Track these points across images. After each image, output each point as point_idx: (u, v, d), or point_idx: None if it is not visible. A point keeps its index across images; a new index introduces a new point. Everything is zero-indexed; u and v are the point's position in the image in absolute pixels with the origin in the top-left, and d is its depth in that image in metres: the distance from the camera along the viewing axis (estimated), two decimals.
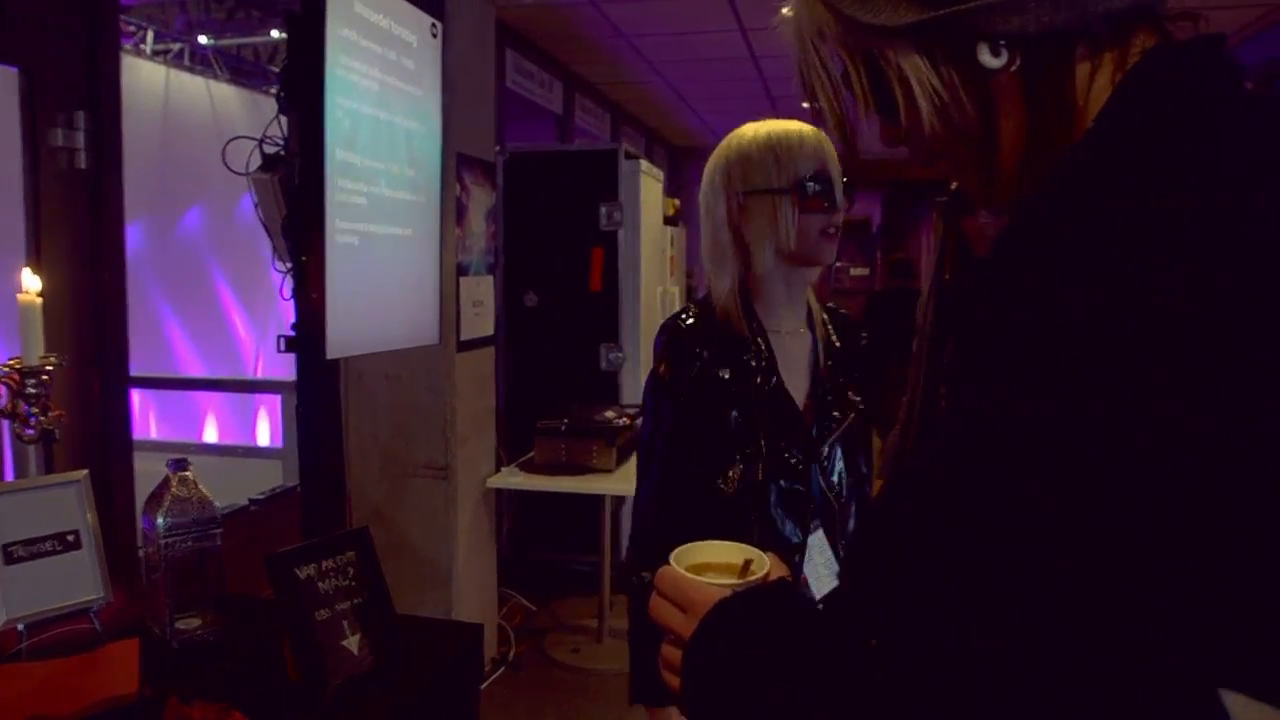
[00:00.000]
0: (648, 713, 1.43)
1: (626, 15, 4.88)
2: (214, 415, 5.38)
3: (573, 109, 6.34)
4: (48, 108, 2.16)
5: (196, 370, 5.34)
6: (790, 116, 1.44)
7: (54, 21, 2.18)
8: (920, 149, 0.67)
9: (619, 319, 4.46)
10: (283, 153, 2.17)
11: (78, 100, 2.21)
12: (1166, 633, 0.44)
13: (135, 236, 4.73)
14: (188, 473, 1.45)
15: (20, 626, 1.37)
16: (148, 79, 4.85)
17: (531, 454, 3.80)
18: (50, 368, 1.48)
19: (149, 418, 5.04)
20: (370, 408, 3.43)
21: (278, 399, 4.28)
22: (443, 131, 2.63)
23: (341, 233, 2.13)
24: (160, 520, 1.40)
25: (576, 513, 4.24)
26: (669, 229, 5.19)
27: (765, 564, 0.77)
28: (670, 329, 1.45)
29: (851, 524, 1.46)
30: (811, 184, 1.36)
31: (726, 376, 1.38)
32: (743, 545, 0.81)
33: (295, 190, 2.12)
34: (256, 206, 2.20)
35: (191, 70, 5.15)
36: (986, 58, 0.58)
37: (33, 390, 1.45)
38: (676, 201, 5.47)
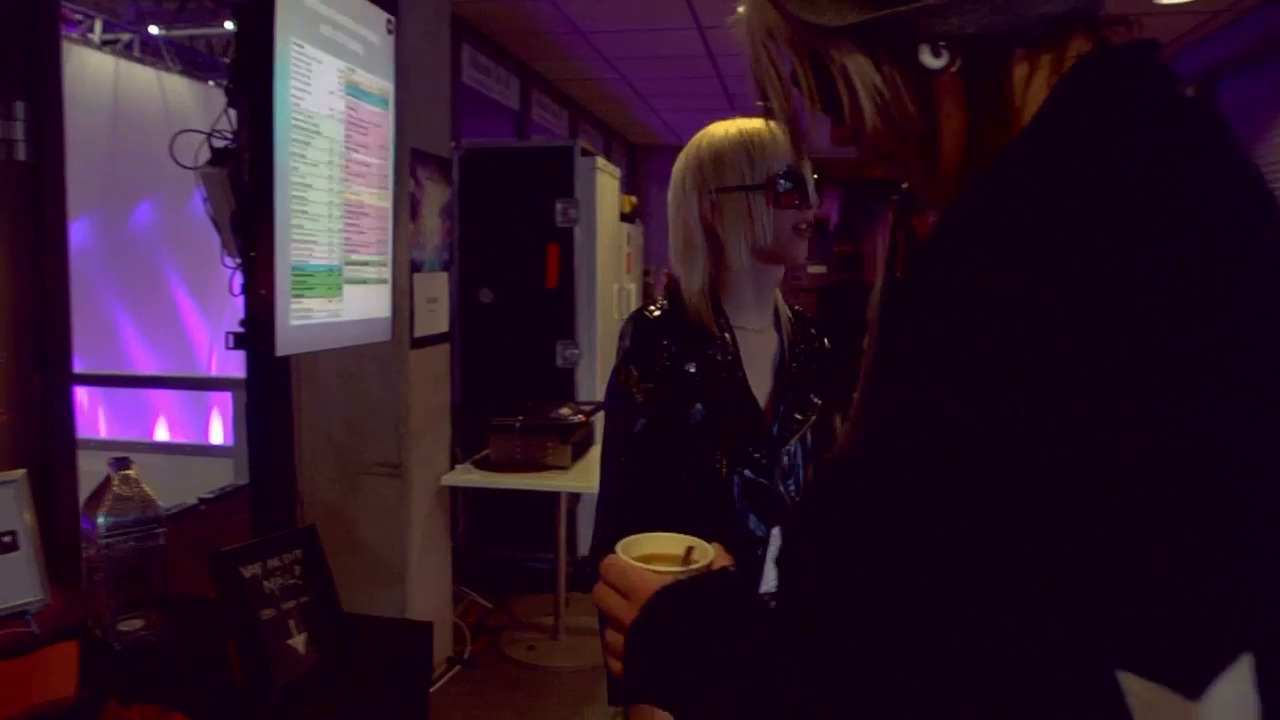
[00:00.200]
0: (628, 712, 1.42)
1: (583, 11, 4.87)
2: (167, 414, 5.28)
3: (530, 105, 6.32)
4: None
5: (150, 368, 5.24)
6: (748, 114, 1.45)
7: None
8: (867, 148, 0.68)
9: (575, 316, 4.46)
10: (232, 146, 2.14)
11: (16, 90, 2.16)
12: (1066, 618, 0.46)
13: (84, 231, 4.63)
14: (130, 471, 1.43)
15: None
16: (96, 69, 4.74)
17: (486, 451, 3.78)
18: None
19: (98, 416, 4.93)
20: (323, 405, 3.40)
21: (231, 396, 4.22)
22: (396, 126, 2.61)
23: (292, 228, 2.10)
24: (101, 520, 1.38)
25: (532, 510, 4.23)
26: (626, 226, 5.19)
27: (709, 553, 0.80)
28: (637, 321, 1.46)
29: None
30: (784, 180, 1.37)
31: (692, 370, 1.39)
32: (686, 536, 0.83)
33: (244, 185, 2.09)
34: (206, 201, 2.17)
35: (142, 61, 5.04)
36: (927, 58, 0.60)
37: None
38: (634, 198, 5.47)
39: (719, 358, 1.41)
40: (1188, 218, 0.50)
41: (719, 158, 1.40)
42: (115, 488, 1.41)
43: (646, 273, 6.99)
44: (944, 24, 0.58)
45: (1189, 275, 0.48)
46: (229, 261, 2.15)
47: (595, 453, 4.04)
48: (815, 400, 1.49)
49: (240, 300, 2.12)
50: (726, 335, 1.42)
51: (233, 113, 2.12)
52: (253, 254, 2.08)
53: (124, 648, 1.40)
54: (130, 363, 5.13)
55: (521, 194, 4.44)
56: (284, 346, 2.11)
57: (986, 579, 0.50)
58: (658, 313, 1.45)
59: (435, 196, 3.56)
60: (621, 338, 1.47)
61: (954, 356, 0.53)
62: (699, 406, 1.39)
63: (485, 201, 4.47)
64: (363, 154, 2.42)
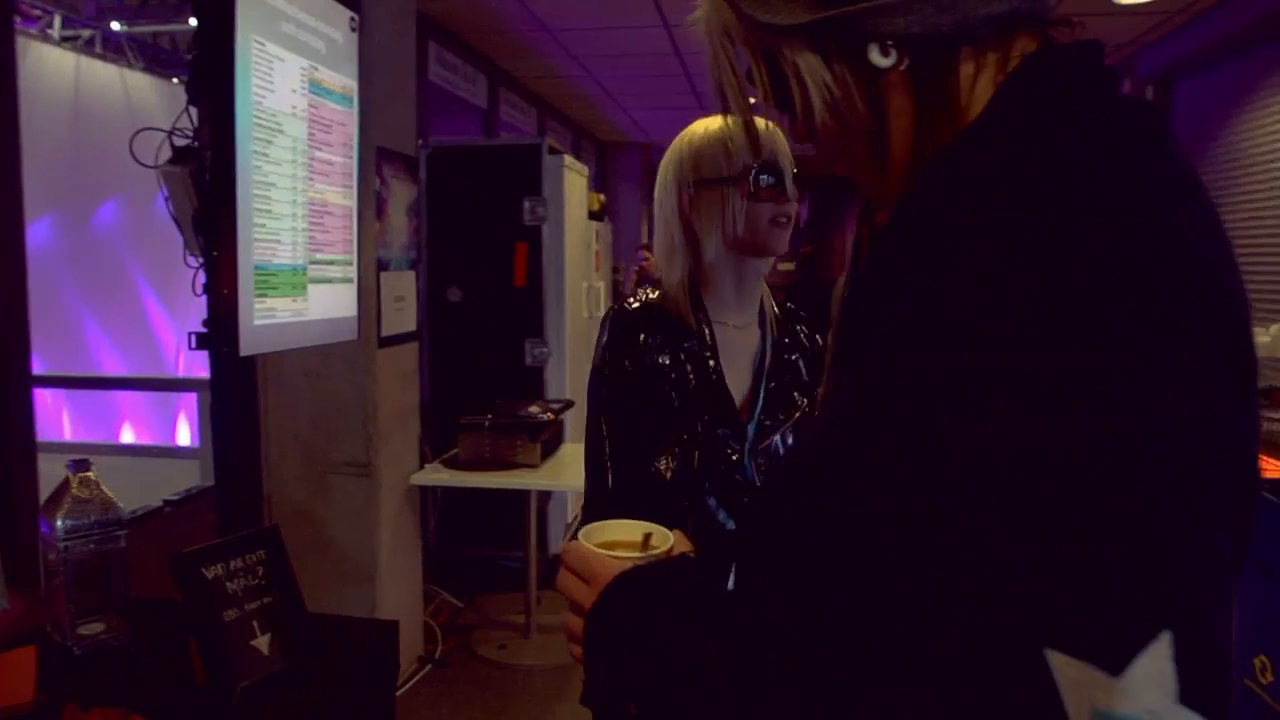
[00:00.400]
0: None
1: (550, 9, 4.86)
2: (133, 415, 5.21)
3: (498, 103, 6.30)
4: None
5: (117, 369, 5.17)
6: (716, 112, 1.46)
7: None
8: (821, 145, 0.70)
9: (543, 314, 4.46)
10: (194, 145, 2.12)
11: None
12: (997, 600, 0.48)
13: (46, 231, 4.56)
14: (89, 473, 1.42)
15: None
16: (55, 66, 4.67)
17: (456, 450, 3.77)
18: None
19: (61, 418, 4.86)
20: (290, 405, 3.37)
21: (196, 398, 4.17)
22: (361, 124, 2.60)
23: (254, 227, 2.09)
24: (59, 523, 1.36)
25: (503, 508, 4.23)
26: (594, 224, 5.19)
27: (668, 539, 0.82)
28: (616, 312, 1.46)
29: None
30: (760, 172, 1.37)
31: (667, 363, 1.40)
32: (646, 523, 0.84)
33: (206, 183, 2.07)
34: (167, 200, 2.15)
35: (103, 58, 4.97)
36: (876, 57, 0.61)
37: None
38: (602, 196, 5.47)
39: (697, 352, 1.41)
40: (1120, 218, 0.52)
41: (697, 152, 1.41)
42: (74, 490, 1.39)
43: (615, 270, 6.99)
44: (891, 24, 0.60)
45: (1115, 275, 0.50)
46: (192, 261, 2.13)
47: (565, 451, 4.04)
48: (799, 398, 1.50)
49: (204, 300, 2.10)
50: (705, 330, 1.43)
51: (194, 110, 2.10)
52: (215, 253, 2.06)
53: (84, 652, 1.39)
54: (96, 364, 5.06)
55: (489, 192, 4.43)
56: (248, 346, 2.10)
57: (926, 565, 0.52)
58: (637, 305, 1.46)
59: (402, 195, 3.54)
60: (602, 327, 1.47)
61: (894, 351, 0.55)
62: (674, 400, 1.39)
63: (453, 200, 4.45)
64: (327, 152, 2.41)
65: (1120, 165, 0.55)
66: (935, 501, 0.51)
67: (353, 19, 2.51)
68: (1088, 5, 4.47)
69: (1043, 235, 0.52)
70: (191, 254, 2.14)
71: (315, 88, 2.33)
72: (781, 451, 1.47)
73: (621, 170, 9.99)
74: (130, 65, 5.08)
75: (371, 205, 3.27)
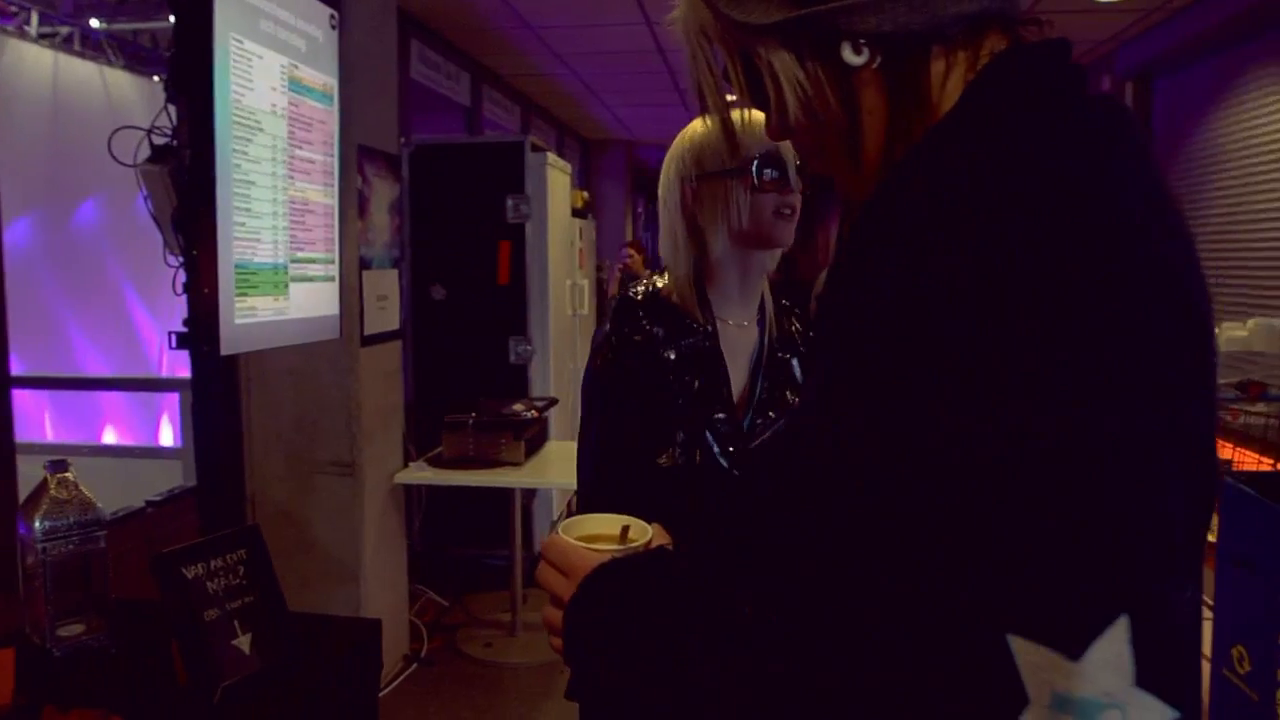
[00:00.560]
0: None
1: (532, 7, 4.86)
2: (116, 416, 5.18)
3: (481, 101, 6.29)
4: None
5: (100, 370, 5.13)
6: (697, 109, 1.45)
7: None
8: (798, 143, 0.71)
9: (527, 312, 4.45)
10: (172, 143, 2.12)
11: None
12: (960, 588, 0.50)
13: (26, 230, 4.52)
14: (67, 474, 1.41)
15: None
16: (33, 63, 4.62)
17: (440, 449, 3.77)
18: None
19: (43, 419, 4.83)
20: (273, 404, 3.36)
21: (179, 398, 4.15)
22: (342, 122, 2.59)
23: (234, 225, 2.08)
24: (37, 524, 1.36)
25: (487, 507, 4.23)
26: (578, 221, 5.19)
27: (647, 532, 0.83)
28: (622, 304, 1.44)
29: None
30: (762, 164, 1.35)
31: (673, 358, 1.39)
32: (625, 517, 0.85)
33: (185, 182, 2.07)
34: (147, 199, 2.14)
35: (82, 55, 4.92)
36: (849, 55, 0.62)
37: None
38: (585, 194, 5.47)
39: (700, 347, 1.40)
40: (1084, 215, 0.53)
41: (699, 146, 1.39)
42: (52, 491, 1.39)
43: (600, 268, 6.99)
44: (863, 22, 0.61)
45: (1077, 271, 0.51)
46: (173, 260, 2.13)
47: (549, 448, 4.04)
48: (790, 397, 1.50)
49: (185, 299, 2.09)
50: (711, 326, 1.42)
51: (173, 109, 2.09)
52: (195, 252, 2.06)
53: (63, 653, 1.38)
54: (79, 364, 5.02)
55: (472, 190, 4.42)
56: (229, 345, 2.09)
57: (892, 553, 0.54)
58: (641, 297, 1.44)
59: (384, 193, 3.54)
60: (606, 318, 1.45)
61: (862, 341, 0.56)
62: (676, 394, 1.38)
63: (436, 198, 4.44)
64: (307, 151, 2.40)
65: (1085, 162, 0.56)
66: (900, 490, 0.53)
67: (332, 16, 2.50)
68: (1068, 2, 4.50)
69: (1007, 231, 0.53)
70: (171, 253, 2.13)
71: (295, 86, 2.32)
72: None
73: (605, 168, 9.99)
74: (110, 63, 5.04)
75: (353, 203, 3.26)
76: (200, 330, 2.06)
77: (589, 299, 5.48)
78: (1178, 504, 0.50)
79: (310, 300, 2.47)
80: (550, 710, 3.34)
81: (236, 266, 2.11)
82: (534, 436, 3.80)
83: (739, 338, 1.47)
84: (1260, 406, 3.53)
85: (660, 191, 1.46)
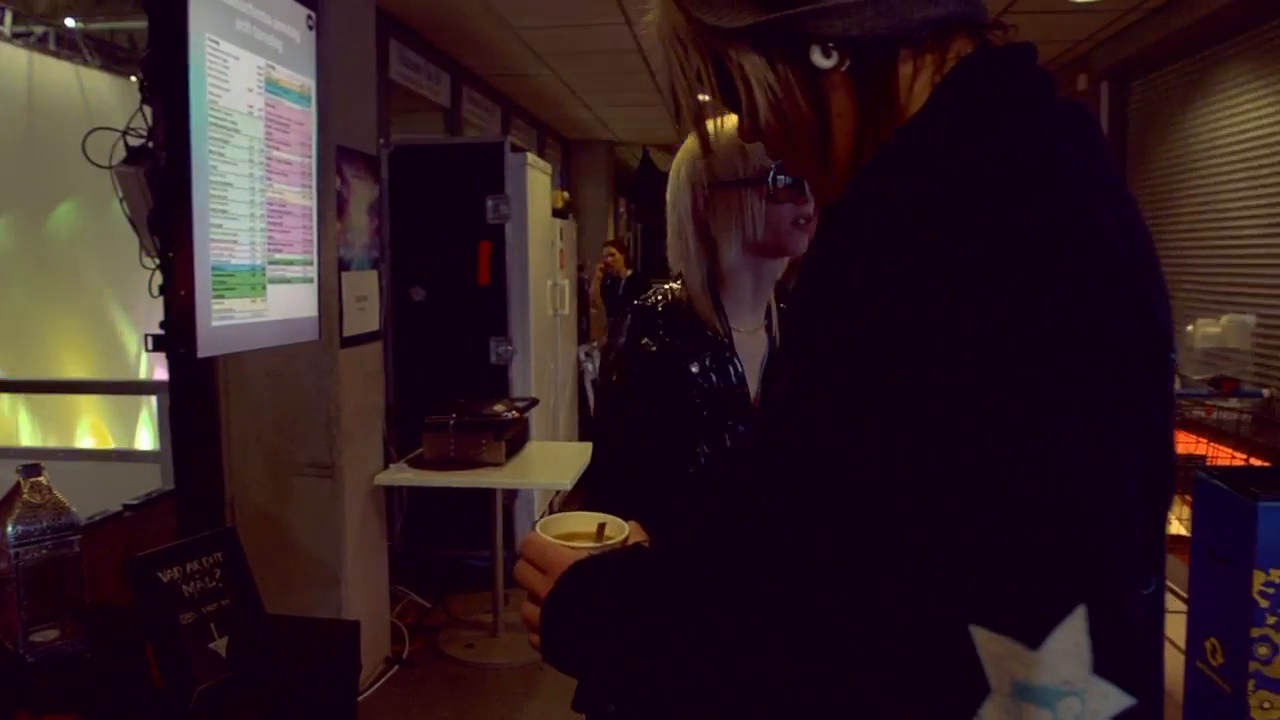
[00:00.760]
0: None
1: (512, 7, 4.85)
2: (94, 419, 5.14)
3: (461, 102, 6.28)
4: None
5: (79, 373, 5.09)
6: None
7: None
8: (770, 145, 0.72)
9: (508, 312, 4.45)
10: (149, 144, 2.10)
11: None
12: (924, 581, 0.51)
13: (1, 233, 4.49)
14: (40, 478, 1.40)
15: None
16: (8, 63, 4.58)
17: (421, 450, 3.76)
18: None
19: (18, 423, 4.78)
20: (252, 407, 3.34)
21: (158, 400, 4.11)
22: (320, 123, 2.58)
23: (211, 227, 2.07)
24: (9, 529, 1.35)
25: (469, 508, 4.22)
26: (558, 222, 5.19)
27: (623, 529, 0.84)
28: (640, 313, 1.41)
29: None
30: (778, 173, 1.32)
31: (695, 370, 1.36)
32: (602, 514, 0.86)
33: (161, 184, 2.05)
34: (122, 201, 2.13)
35: (58, 55, 4.88)
36: (818, 58, 0.63)
37: None
38: (566, 194, 5.47)
39: (719, 356, 1.38)
40: (1044, 215, 0.54)
41: (712, 154, 1.35)
42: (25, 495, 1.38)
43: (581, 268, 6.99)
44: (831, 26, 0.62)
45: (1035, 271, 0.52)
46: (149, 262, 2.11)
47: (530, 449, 4.04)
48: None
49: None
50: (727, 337, 1.39)
51: (148, 110, 2.08)
52: (171, 254, 2.05)
53: (37, 659, 1.37)
54: (58, 368, 4.98)
55: (452, 191, 4.42)
56: (205, 348, 2.08)
57: (857, 546, 0.55)
58: (661, 307, 1.41)
59: (363, 194, 3.52)
60: (622, 326, 1.42)
61: (825, 344, 0.57)
62: (700, 405, 1.36)
63: (416, 199, 4.43)
64: (285, 152, 2.39)
65: (1046, 164, 0.57)
66: (865, 486, 0.54)
67: (309, 17, 2.49)
68: (1044, 3, 4.54)
69: (967, 232, 0.54)
70: (148, 255, 2.12)
71: (272, 87, 2.31)
72: None
73: (587, 168, 9.97)
74: (86, 63, 5.00)
75: (332, 205, 3.25)
76: (177, 333, 2.05)
77: (570, 299, 5.48)
78: (1134, 497, 0.51)
79: (289, 302, 2.46)
80: (532, 711, 3.34)
81: (213, 268, 2.10)
82: (515, 437, 3.80)
83: (750, 344, 1.44)
84: (1233, 402, 3.57)
85: (669, 196, 1.43)
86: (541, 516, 4.35)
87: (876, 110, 0.65)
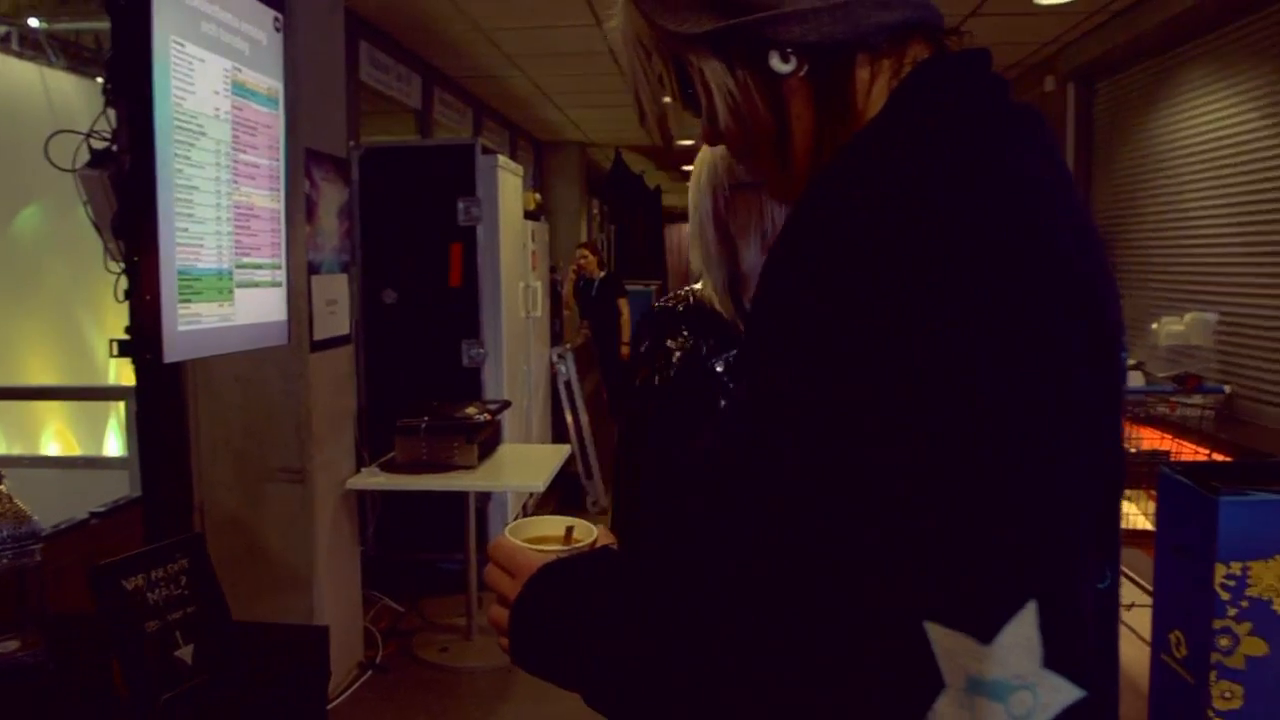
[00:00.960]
0: None
1: (483, 9, 4.84)
2: (60, 425, 5.06)
3: (432, 104, 6.25)
4: None
5: (46, 379, 5.01)
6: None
7: None
8: (730, 147, 0.73)
9: (480, 315, 4.44)
10: (113, 148, 2.08)
11: None
12: (879, 578, 0.52)
13: None
14: (1, 486, 1.38)
15: None
16: None
17: (393, 453, 3.74)
18: None
19: None
20: (221, 412, 3.31)
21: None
22: (288, 126, 2.57)
23: (176, 231, 2.05)
24: None
25: (442, 511, 4.21)
26: (530, 223, 5.18)
27: (591, 532, 0.85)
28: (662, 316, 1.42)
29: None
30: None
31: (720, 369, 1.37)
32: (569, 518, 0.87)
33: (125, 188, 2.03)
34: (86, 204, 2.10)
35: (21, 55, 4.81)
36: (776, 63, 0.64)
37: None
38: (538, 196, 5.47)
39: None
40: (994, 218, 0.55)
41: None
42: None
43: (554, 269, 6.98)
44: (789, 32, 0.63)
45: (984, 272, 0.53)
46: (114, 267, 2.09)
47: (503, 451, 4.03)
48: None
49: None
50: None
51: (112, 113, 2.06)
52: (135, 259, 2.03)
53: None
54: (23, 375, 4.91)
55: (423, 193, 4.40)
56: (172, 352, 2.06)
57: (812, 544, 0.56)
58: (684, 309, 1.42)
59: (332, 197, 3.50)
60: (643, 328, 1.44)
61: (784, 341, 0.59)
62: (721, 400, 1.35)
63: (387, 201, 4.41)
64: (252, 155, 2.38)
65: (997, 168, 0.58)
66: (822, 483, 0.55)
67: (276, 19, 2.48)
68: (1010, 5, 4.59)
69: (920, 233, 0.55)
70: (112, 259, 2.09)
71: (239, 89, 2.29)
72: None
73: (559, 169, 9.96)
74: (51, 64, 4.92)
75: (301, 208, 3.23)
76: (143, 338, 2.03)
77: (542, 301, 5.48)
78: (1082, 493, 0.52)
79: (257, 306, 2.44)
80: (507, 713, 3.33)
81: (179, 272, 2.08)
82: (487, 439, 3.79)
83: None
84: (1197, 398, 3.63)
85: (690, 198, 1.43)
86: (515, 519, 4.34)
87: (834, 114, 0.66)
